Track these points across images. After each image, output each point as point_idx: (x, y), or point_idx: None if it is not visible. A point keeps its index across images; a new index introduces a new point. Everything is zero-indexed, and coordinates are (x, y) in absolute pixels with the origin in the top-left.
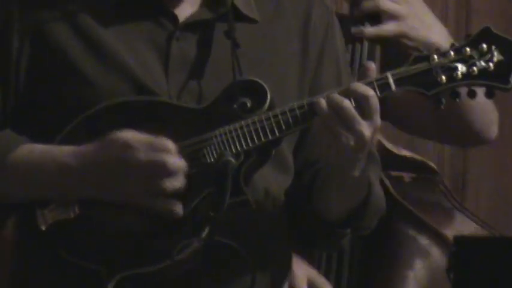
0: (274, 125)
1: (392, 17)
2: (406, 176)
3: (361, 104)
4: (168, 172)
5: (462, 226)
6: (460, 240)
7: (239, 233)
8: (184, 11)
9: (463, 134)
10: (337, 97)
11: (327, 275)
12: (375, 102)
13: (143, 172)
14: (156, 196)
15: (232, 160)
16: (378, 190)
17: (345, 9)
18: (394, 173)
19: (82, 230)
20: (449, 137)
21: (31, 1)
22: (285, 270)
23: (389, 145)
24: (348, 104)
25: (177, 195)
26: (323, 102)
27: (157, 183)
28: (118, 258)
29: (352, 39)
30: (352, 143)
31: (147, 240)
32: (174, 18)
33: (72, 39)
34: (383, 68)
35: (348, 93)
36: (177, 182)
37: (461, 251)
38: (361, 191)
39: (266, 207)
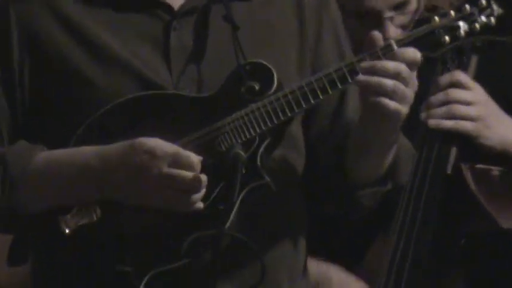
0: (284, 104)
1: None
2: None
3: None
4: (189, 189)
5: None
6: (471, 235)
7: (253, 225)
8: (178, 0)
9: None
10: (410, 50)
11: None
12: None
13: (163, 183)
14: (175, 204)
15: (242, 153)
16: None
17: None
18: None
19: (106, 233)
20: None
21: (26, 8)
22: (300, 263)
23: None
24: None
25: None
26: (382, 62)
27: (177, 196)
28: (145, 258)
29: None
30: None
31: (170, 237)
32: (169, 8)
33: (70, 42)
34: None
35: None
36: (197, 197)
37: (472, 245)
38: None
39: (276, 177)
